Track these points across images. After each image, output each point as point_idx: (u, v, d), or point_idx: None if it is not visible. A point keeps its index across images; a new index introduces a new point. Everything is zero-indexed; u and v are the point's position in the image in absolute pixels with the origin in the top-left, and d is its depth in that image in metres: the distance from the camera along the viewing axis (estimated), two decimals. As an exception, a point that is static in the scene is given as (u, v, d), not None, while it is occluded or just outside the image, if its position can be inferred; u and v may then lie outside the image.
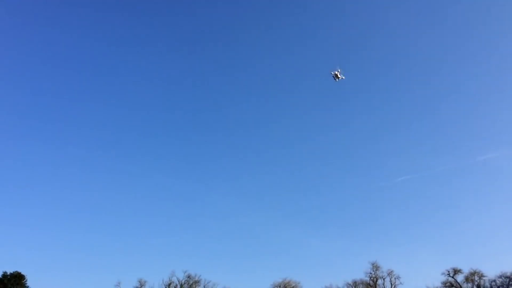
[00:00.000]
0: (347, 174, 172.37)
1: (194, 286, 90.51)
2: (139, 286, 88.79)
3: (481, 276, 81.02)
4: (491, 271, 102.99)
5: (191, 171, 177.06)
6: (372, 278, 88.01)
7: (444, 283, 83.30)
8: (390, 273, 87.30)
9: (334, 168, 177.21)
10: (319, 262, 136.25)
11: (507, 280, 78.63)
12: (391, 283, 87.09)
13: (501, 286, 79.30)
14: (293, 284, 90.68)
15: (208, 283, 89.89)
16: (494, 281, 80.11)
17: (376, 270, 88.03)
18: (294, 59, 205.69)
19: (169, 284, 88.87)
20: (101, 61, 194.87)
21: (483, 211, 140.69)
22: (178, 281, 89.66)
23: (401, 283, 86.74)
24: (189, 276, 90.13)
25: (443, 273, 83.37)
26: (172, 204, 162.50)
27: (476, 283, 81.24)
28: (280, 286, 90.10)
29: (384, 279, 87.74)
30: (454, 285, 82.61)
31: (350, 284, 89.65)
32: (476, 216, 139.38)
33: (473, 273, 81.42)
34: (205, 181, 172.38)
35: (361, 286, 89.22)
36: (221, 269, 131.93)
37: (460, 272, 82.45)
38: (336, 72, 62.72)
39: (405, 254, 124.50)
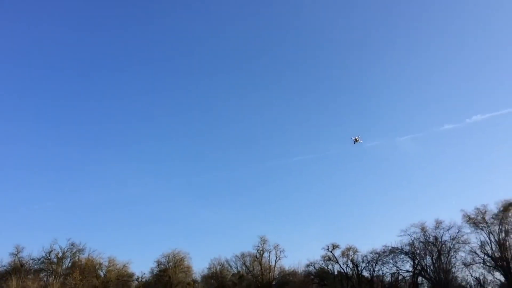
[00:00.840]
0: (246, 150, 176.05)
1: (78, 254, 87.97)
2: (16, 252, 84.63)
3: (355, 251, 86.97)
4: (364, 247, 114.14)
5: (79, 137, 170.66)
6: (259, 251, 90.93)
7: (323, 257, 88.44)
8: (276, 247, 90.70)
9: (231, 143, 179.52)
10: (209, 234, 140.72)
11: (377, 255, 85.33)
12: (276, 256, 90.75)
13: (371, 260, 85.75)
14: (182, 255, 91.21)
15: (93, 252, 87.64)
16: (366, 256, 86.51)
17: (263, 244, 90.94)
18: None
19: (50, 252, 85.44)
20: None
21: (364, 194, 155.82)
22: (61, 249, 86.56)
23: (285, 256, 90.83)
24: (72, 244, 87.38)
25: (323, 248, 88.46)
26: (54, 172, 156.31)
27: (350, 257, 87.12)
28: (168, 257, 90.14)
29: (270, 252, 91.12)
30: (332, 258, 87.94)
31: (238, 256, 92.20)
32: (358, 198, 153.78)
33: (348, 249, 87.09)
34: (93, 147, 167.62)
35: (248, 258, 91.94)
36: (108, 239, 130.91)
37: (338, 248, 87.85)
38: (357, 137, 70.45)
39: (292, 230, 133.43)
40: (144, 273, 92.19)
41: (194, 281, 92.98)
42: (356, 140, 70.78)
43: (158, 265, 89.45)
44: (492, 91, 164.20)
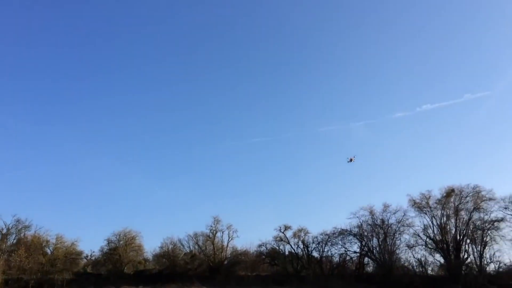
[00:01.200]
0: (202, 130, 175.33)
1: (23, 231, 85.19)
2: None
3: (306, 232, 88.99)
4: (315, 229, 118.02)
5: (30, 111, 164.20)
6: (212, 231, 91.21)
7: (275, 238, 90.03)
8: (229, 227, 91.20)
9: (187, 122, 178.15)
10: (162, 214, 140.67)
11: (326, 237, 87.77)
12: (228, 236, 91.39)
13: (321, 241, 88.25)
14: (133, 234, 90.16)
15: (39, 229, 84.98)
16: (316, 237, 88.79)
17: (216, 224, 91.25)
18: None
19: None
20: None
21: (317, 177, 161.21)
22: (5, 225, 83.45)
23: (237, 236, 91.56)
24: (18, 221, 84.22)
25: (275, 229, 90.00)
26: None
27: (301, 238, 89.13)
28: (119, 235, 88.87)
29: (223, 232, 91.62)
30: (283, 239, 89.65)
31: (190, 236, 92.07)
32: (311, 180, 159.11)
33: (300, 230, 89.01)
34: (43, 122, 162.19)
35: (201, 238, 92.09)
36: (56, 216, 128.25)
37: (290, 229, 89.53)
38: (352, 158, 78.83)
39: (246, 210, 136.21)
40: (94, 251, 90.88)
41: (146, 260, 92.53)
42: (351, 160, 79.95)
43: (108, 243, 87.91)
44: (441, 82, 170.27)
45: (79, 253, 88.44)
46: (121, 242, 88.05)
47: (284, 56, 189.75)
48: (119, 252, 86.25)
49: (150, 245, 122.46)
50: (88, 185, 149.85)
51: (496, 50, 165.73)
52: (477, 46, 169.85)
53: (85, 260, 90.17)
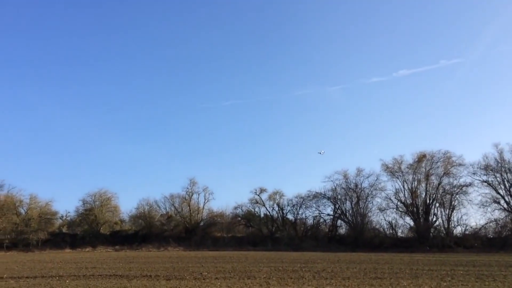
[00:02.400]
0: (179, 91, 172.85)
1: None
2: None
3: (281, 195, 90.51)
4: (290, 192, 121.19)
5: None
6: (188, 193, 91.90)
7: (251, 200, 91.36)
8: (205, 189, 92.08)
9: (159, 83, 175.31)
10: (139, 175, 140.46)
11: (301, 199, 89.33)
12: (205, 198, 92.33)
13: (296, 204, 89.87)
14: (109, 195, 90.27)
15: (12, 188, 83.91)
16: (291, 200, 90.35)
17: (192, 186, 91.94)
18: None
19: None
20: None
21: (293, 140, 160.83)
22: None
23: (213, 198, 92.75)
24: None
25: (251, 191, 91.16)
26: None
27: (276, 201, 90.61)
28: (95, 196, 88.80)
29: (199, 194, 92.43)
30: (259, 202, 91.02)
31: (167, 197, 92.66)
32: (287, 144, 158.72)
33: (275, 193, 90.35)
34: (15, 77, 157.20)
35: (177, 199, 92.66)
36: (29, 176, 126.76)
37: (265, 191, 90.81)
38: (322, 151, 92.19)
39: (222, 173, 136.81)
40: (69, 212, 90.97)
41: (122, 221, 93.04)
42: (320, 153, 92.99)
43: (84, 204, 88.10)
44: (418, 47, 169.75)
45: (54, 214, 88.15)
46: (97, 203, 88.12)
47: (259, 18, 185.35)
48: (94, 213, 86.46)
49: (126, 206, 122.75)
50: (61, 146, 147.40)
51: (473, 15, 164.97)
52: (455, 11, 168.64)
53: (60, 220, 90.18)
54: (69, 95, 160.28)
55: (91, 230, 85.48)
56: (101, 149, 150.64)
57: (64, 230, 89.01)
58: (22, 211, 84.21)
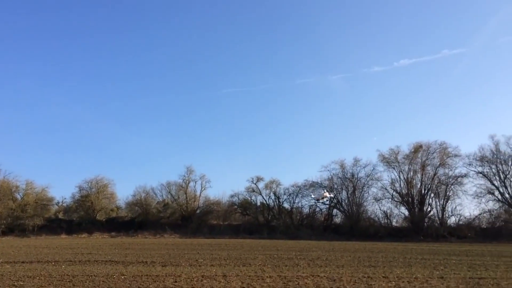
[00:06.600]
0: (175, 78, 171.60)
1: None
2: None
3: (278, 184, 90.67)
4: (287, 180, 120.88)
5: None
6: (185, 181, 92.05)
7: (247, 188, 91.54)
8: (202, 177, 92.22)
9: (157, 68, 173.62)
10: (135, 162, 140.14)
11: (298, 188, 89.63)
12: (201, 186, 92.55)
13: (292, 193, 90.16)
14: (106, 182, 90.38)
15: (9, 174, 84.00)
16: (288, 189, 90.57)
17: (189, 174, 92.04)
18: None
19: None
20: None
21: (292, 129, 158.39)
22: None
23: (210, 186, 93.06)
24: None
25: (248, 180, 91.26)
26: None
27: (273, 190, 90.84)
28: (91, 183, 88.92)
29: (196, 182, 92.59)
30: (255, 190, 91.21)
31: (163, 185, 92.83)
32: (286, 132, 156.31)
33: (272, 182, 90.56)
34: (13, 63, 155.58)
35: (174, 187, 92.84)
36: (26, 162, 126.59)
37: (262, 180, 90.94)
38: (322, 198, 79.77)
39: (219, 161, 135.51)
40: (65, 198, 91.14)
41: (118, 208, 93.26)
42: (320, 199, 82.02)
43: (80, 190, 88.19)
44: (420, 37, 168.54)
45: (50, 199, 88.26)
46: (93, 189, 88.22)
47: (261, 6, 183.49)
48: (91, 199, 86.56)
49: (123, 193, 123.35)
50: (59, 132, 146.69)
51: (477, 5, 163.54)
52: (459, 0, 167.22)
53: (56, 206, 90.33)
54: (67, 83, 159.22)
55: (87, 216, 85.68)
56: (99, 136, 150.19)
57: (60, 216, 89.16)
58: (18, 197, 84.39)
